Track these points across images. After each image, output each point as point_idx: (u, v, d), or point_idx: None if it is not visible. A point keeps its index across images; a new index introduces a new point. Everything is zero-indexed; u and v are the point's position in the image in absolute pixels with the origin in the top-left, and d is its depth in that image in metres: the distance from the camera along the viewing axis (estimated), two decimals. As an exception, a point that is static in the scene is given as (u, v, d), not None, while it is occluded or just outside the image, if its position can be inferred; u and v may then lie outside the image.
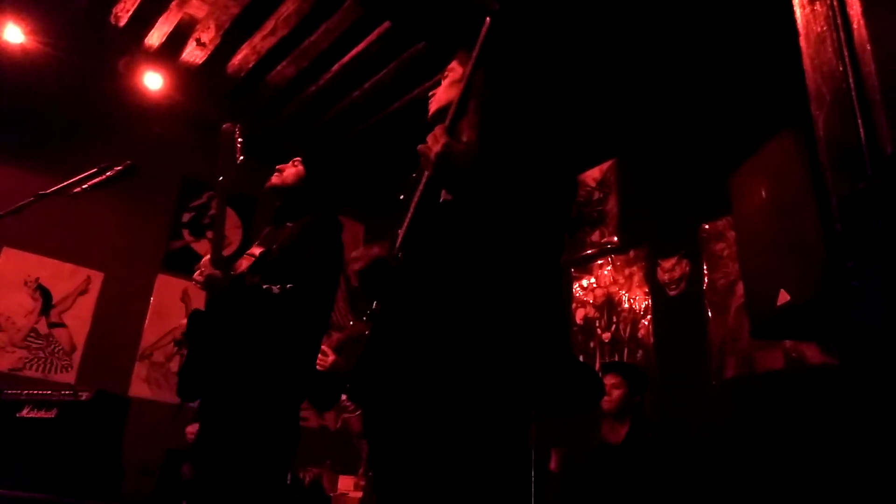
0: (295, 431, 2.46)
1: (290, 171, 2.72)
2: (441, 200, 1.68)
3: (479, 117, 1.74)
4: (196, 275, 2.46)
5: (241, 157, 2.63)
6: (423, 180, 1.65)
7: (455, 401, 1.46)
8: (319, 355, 3.21)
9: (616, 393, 3.45)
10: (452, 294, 1.53)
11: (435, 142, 1.56)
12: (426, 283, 1.58)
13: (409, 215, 1.65)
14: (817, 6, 1.41)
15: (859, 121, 1.28)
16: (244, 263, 2.58)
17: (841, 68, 1.30)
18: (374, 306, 1.70)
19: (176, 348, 3.71)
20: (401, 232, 1.66)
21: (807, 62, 1.40)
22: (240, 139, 2.63)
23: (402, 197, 1.80)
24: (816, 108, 1.37)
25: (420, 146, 1.61)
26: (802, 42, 1.42)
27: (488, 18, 1.62)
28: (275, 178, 2.71)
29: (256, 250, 2.62)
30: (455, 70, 1.88)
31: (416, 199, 1.66)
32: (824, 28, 1.36)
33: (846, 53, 1.30)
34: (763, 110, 3.51)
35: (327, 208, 2.69)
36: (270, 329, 2.36)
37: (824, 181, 1.38)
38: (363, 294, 1.73)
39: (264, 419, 2.34)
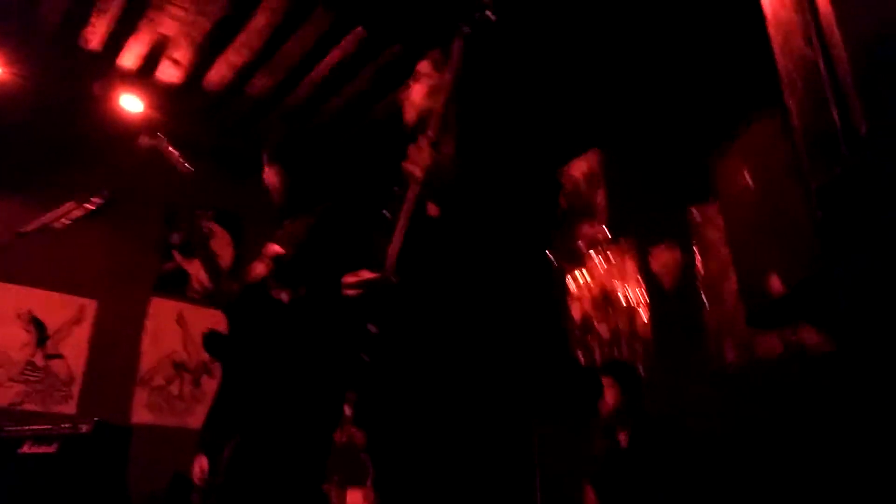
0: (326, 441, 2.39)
1: (269, 175, 2.63)
2: (428, 216, 1.66)
3: (457, 127, 1.72)
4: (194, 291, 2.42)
5: (185, 165, 2.57)
6: (410, 196, 1.63)
7: (458, 415, 1.46)
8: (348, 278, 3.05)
9: (610, 395, 3.38)
10: (449, 309, 1.52)
11: (420, 156, 1.54)
12: (423, 301, 1.57)
13: (399, 233, 1.62)
14: (784, -10, 1.37)
15: (833, 105, 1.25)
16: (259, 267, 2.52)
17: (811, 56, 1.27)
18: (371, 331, 1.67)
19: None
20: (392, 250, 1.63)
21: (776, 49, 1.37)
22: (170, 147, 2.58)
23: (386, 213, 1.77)
24: (789, 95, 1.34)
25: (406, 164, 1.59)
26: (771, 29, 1.39)
27: (461, 40, 1.60)
28: (274, 198, 2.65)
29: (272, 250, 2.55)
30: (430, 76, 1.85)
31: (404, 215, 1.63)
32: (792, 14, 1.32)
33: (815, 39, 1.27)
34: (743, 90, 3.48)
35: (337, 192, 2.62)
36: (292, 339, 2.26)
37: (802, 169, 1.36)
38: (363, 320, 1.70)
39: (302, 435, 2.24)
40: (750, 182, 2.21)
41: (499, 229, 1.57)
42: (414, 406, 1.53)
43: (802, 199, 1.88)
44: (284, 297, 2.28)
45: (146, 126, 5.19)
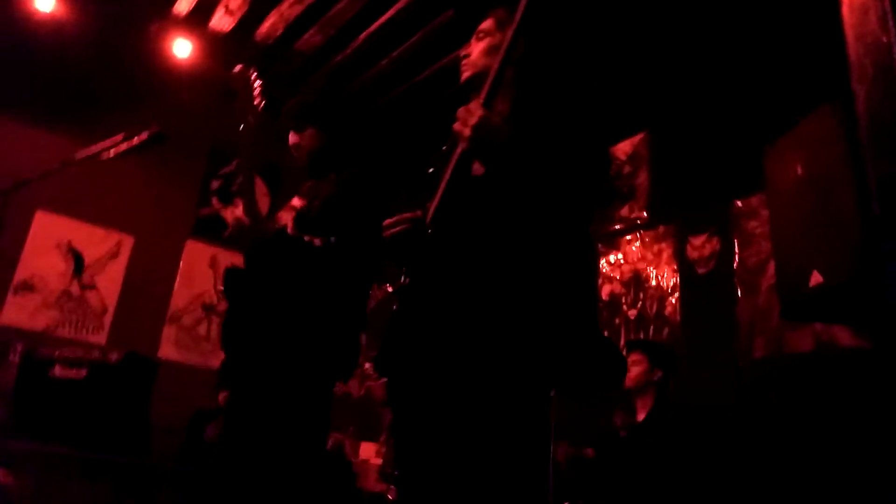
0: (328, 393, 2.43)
1: (303, 136, 2.64)
2: (473, 175, 1.66)
3: (515, 89, 1.71)
4: (228, 231, 2.41)
5: (261, 102, 2.57)
6: (456, 154, 1.62)
7: (479, 376, 1.46)
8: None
9: (636, 370, 3.39)
10: (482, 269, 1.52)
11: (470, 115, 1.54)
12: (456, 258, 1.57)
13: (441, 189, 1.62)
14: (863, -26, 1.33)
15: (903, 96, 1.22)
16: (285, 216, 2.53)
17: (885, 40, 1.24)
18: (401, 279, 1.69)
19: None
20: (432, 205, 1.64)
21: (849, 33, 1.33)
22: (257, 82, 2.57)
23: (431, 170, 1.77)
24: (858, 81, 1.31)
25: (455, 124, 1.59)
26: (845, 12, 1.35)
27: None
28: (299, 159, 2.64)
29: (298, 202, 2.56)
30: (492, 34, 1.82)
31: (447, 172, 1.63)
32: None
33: (891, 24, 1.23)
34: (799, 84, 3.39)
35: (366, 159, 2.63)
36: (313, 283, 2.30)
37: (863, 159, 1.33)
38: (392, 258, 1.72)
39: (304, 382, 2.30)
40: (800, 175, 2.16)
41: (543, 197, 1.55)
42: (436, 363, 1.53)
43: (853, 195, 1.84)
44: (315, 241, 2.31)
45: (196, 70, 5.26)
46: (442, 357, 1.52)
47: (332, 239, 2.30)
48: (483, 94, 1.60)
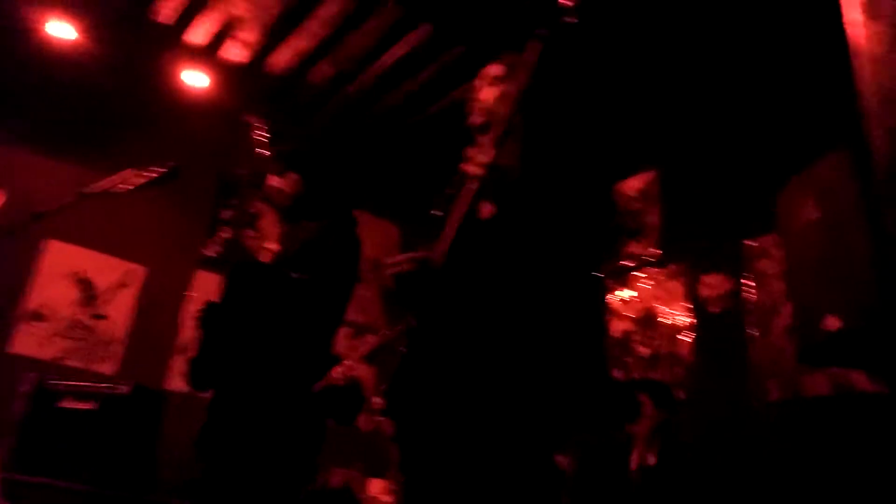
0: (314, 423, 2.48)
1: (284, 181, 2.71)
2: (481, 217, 1.66)
3: (524, 130, 1.72)
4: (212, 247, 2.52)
5: (263, 151, 2.64)
6: (464, 195, 1.63)
7: (490, 419, 1.45)
8: (344, 364, 3.21)
9: (648, 412, 3.36)
10: (491, 311, 1.52)
11: (482, 155, 1.55)
12: (465, 299, 1.57)
13: (449, 230, 1.62)
14: (879, 26, 1.34)
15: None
16: (264, 259, 2.61)
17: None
18: (410, 320, 1.69)
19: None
20: (440, 247, 1.64)
21: (863, 84, 1.34)
22: (263, 133, 2.64)
23: (438, 213, 1.78)
24: (875, 128, 1.31)
25: (467, 164, 1.59)
26: (858, 63, 1.36)
27: (539, 42, 1.59)
28: (278, 199, 2.72)
29: (273, 246, 2.65)
30: (503, 80, 1.84)
31: (455, 214, 1.63)
32: (885, 50, 1.29)
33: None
34: (810, 125, 3.41)
35: (342, 206, 2.71)
36: (288, 314, 2.39)
37: (879, 204, 1.32)
38: (398, 298, 1.72)
39: (279, 410, 2.37)
40: (814, 218, 2.16)
41: (551, 238, 1.56)
42: (446, 401, 1.53)
43: (867, 238, 1.84)
44: (293, 275, 2.37)
45: (210, 102, 5.32)
46: (450, 398, 1.51)
47: (308, 275, 2.40)
48: (495, 136, 1.61)
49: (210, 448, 2.49)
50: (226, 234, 2.49)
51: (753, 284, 3.82)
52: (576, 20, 1.60)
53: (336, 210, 2.68)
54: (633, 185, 4.68)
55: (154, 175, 2.76)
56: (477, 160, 1.56)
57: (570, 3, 1.58)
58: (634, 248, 4.60)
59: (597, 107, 3.94)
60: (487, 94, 1.84)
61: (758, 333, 3.70)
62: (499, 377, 1.47)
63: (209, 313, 2.52)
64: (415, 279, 1.63)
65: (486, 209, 1.66)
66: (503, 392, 1.46)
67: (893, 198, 1.27)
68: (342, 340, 4.13)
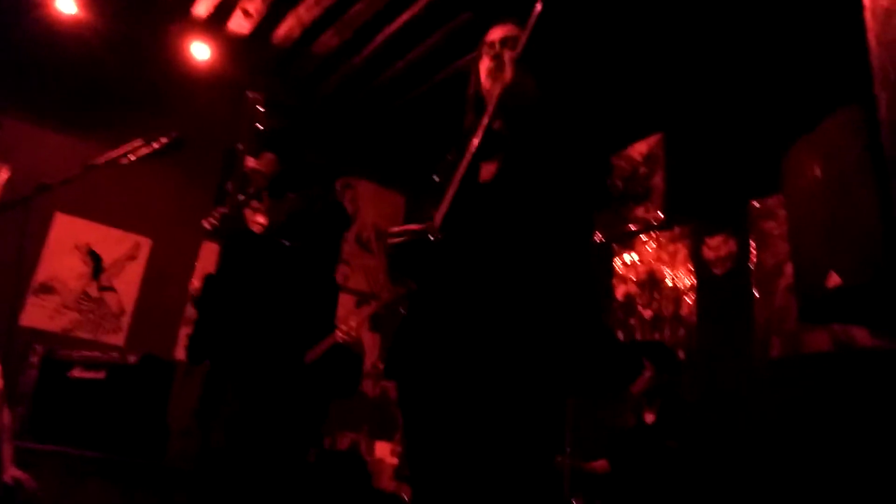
0: (315, 388, 2.55)
1: (263, 162, 2.77)
2: (481, 181, 1.67)
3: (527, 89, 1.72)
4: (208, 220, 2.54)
5: (262, 127, 2.68)
6: (465, 160, 1.63)
7: (491, 381, 1.47)
8: (343, 328, 3.27)
9: (644, 374, 3.40)
10: (491, 274, 1.53)
11: (501, 74, 1.57)
12: (465, 264, 1.58)
13: (449, 196, 1.62)
14: (886, -22, 1.33)
15: (926, 101, 1.22)
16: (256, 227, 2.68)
17: (909, 45, 1.24)
18: (410, 284, 1.70)
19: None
20: (440, 212, 1.64)
21: (872, 39, 1.33)
22: (262, 109, 2.67)
23: (437, 179, 1.78)
24: (881, 87, 1.31)
25: (486, 81, 1.60)
26: (868, 17, 1.35)
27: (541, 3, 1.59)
28: (259, 181, 2.76)
29: (262, 220, 2.70)
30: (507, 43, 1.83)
31: (456, 179, 1.63)
32: (892, 3, 1.29)
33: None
34: (817, 86, 3.38)
35: (325, 178, 2.77)
36: (283, 281, 2.46)
37: (885, 164, 1.33)
38: (399, 268, 1.73)
39: (276, 377, 2.43)
40: (819, 176, 2.15)
41: (548, 202, 1.56)
42: (446, 366, 1.54)
43: (873, 197, 1.84)
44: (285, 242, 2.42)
45: (215, 74, 5.31)
46: (452, 361, 1.52)
47: (299, 243, 2.48)
48: (517, 53, 1.62)
49: (209, 417, 2.55)
50: (222, 206, 2.55)
51: (756, 246, 3.82)
52: None
53: (318, 181, 2.75)
54: (638, 148, 4.67)
55: (158, 145, 2.78)
56: (496, 78, 1.58)
57: None
58: (639, 211, 4.60)
59: (601, 70, 3.92)
60: (483, 62, 1.83)
61: (761, 293, 3.72)
62: (500, 340, 1.48)
63: (207, 286, 2.56)
64: (414, 250, 1.63)
65: (486, 172, 1.67)
66: (505, 355, 1.47)
67: (898, 150, 1.28)
68: (346, 308, 4.18)
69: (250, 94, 2.70)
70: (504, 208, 1.57)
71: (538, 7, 1.58)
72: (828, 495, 2.98)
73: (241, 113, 2.69)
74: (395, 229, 1.69)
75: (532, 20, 1.62)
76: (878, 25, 1.32)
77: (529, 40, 1.62)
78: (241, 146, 2.65)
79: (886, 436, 2.70)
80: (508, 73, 1.55)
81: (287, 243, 2.47)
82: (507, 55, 1.61)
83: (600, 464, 3.63)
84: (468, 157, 1.62)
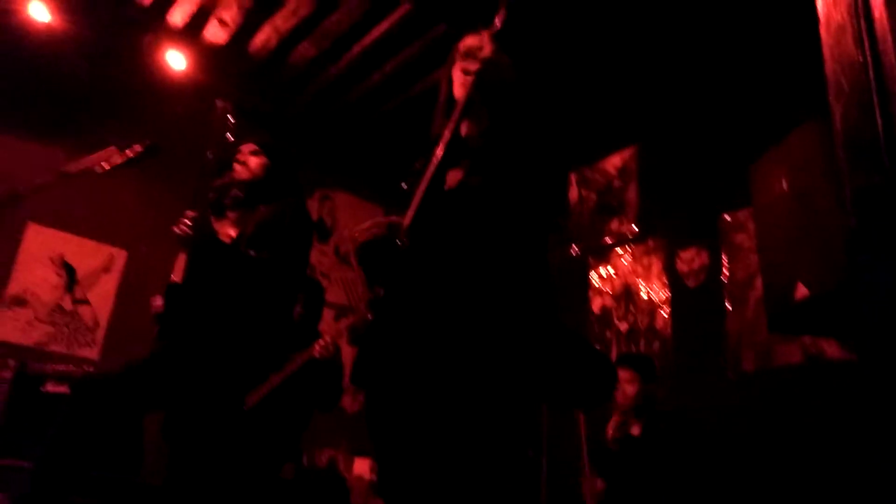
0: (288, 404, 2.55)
1: (256, 162, 2.76)
2: (446, 189, 1.67)
3: (489, 103, 1.73)
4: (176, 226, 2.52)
5: (231, 135, 2.68)
6: (430, 168, 1.64)
7: (460, 390, 1.46)
8: (321, 342, 3.28)
9: (629, 388, 3.41)
10: (455, 282, 1.53)
11: (482, 48, 1.58)
12: (430, 271, 1.57)
13: (415, 203, 1.62)
14: (840, -6, 1.36)
15: (878, 113, 1.25)
16: (225, 237, 2.65)
17: (861, 59, 1.27)
18: (377, 292, 1.68)
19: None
20: (406, 217, 1.63)
21: (826, 52, 1.36)
22: (231, 117, 2.67)
23: (405, 187, 1.79)
24: (835, 99, 1.34)
25: (465, 60, 1.62)
26: (823, 32, 1.38)
27: (504, 11, 1.60)
28: (243, 173, 2.74)
29: (231, 231, 2.67)
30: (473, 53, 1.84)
31: (421, 187, 1.63)
32: (845, 18, 1.32)
33: (867, 44, 1.26)
34: (786, 100, 3.45)
35: (296, 191, 2.75)
36: (248, 291, 2.44)
37: (841, 174, 1.35)
38: (366, 266, 1.71)
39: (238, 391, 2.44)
40: (785, 189, 2.19)
41: (515, 207, 1.56)
42: (413, 374, 1.53)
43: (836, 208, 1.87)
44: (251, 253, 2.43)
45: (191, 83, 5.29)
46: (416, 367, 1.51)
47: (266, 254, 2.46)
48: (494, 28, 1.63)
49: (174, 433, 2.53)
50: (191, 214, 2.53)
51: (728, 258, 3.87)
52: None
53: (290, 193, 2.73)
54: (612, 161, 4.71)
55: (133, 153, 2.77)
56: (477, 53, 1.59)
57: None
58: (614, 224, 4.64)
59: (572, 85, 3.96)
60: (456, 69, 1.85)
61: (733, 305, 3.76)
62: (462, 345, 1.47)
63: (170, 296, 2.55)
64: (381, 245, 1.63)
65: (451, 179, 1.67)
66: (474, 366, 1.46)
67: (853, 160, 1.30)
68: (324, 321, 4.16)
69: (220, 103, 2.69)
70: (469, 216, 1.57)
71: (503, 12, 1.60)
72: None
73: (211, 121, 2.68)
74: (361, 227, 1.68)
75: (500, 20, 1.63)
76: (831, 39, 1.35)
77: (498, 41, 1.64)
78: (210, 154, 2.64)
79: (857, 448, 2.73)
80: (488, 49, 1.57)
81: (255, 254, 2.43)
82: (487, 36, 1.63)
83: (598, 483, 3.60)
84: (433, 164, 1.63)
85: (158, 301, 2.64)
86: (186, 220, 2.49)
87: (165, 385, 2.43)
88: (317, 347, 3.33)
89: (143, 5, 4.91)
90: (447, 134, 1.62)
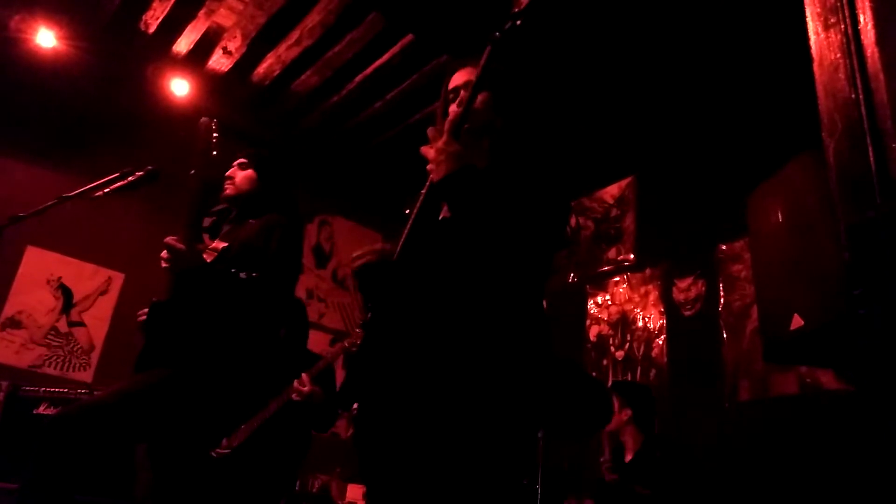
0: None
1: (242, 176, 2.74)
2: (440, 217, 1.69)
3: (491, 142, 1.75)
4: (163, 254, 2.49)
5: (216, 152, 2.67)
6: (423, 195, 1.65)
7: (453, 417, 1.45)
8: (297, 383, 3.23)
9: (624, 415, 3.41)
10: (446, 308, 1.53)
11: (446, 146, 1.58)
12: (421, 296, 1.58)
13: (406, 231, 1.64)
14: (831, 34, 1.40)
15: (870, 149, 1.27)
16: (207, 258, 2.61)
17: (853, 96, 1.30)
18: (367, 316, 1.69)
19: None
20: (398, 244, 1.65)
21: (820, 89, 1.39)
22: (216, 134, 2.67)
23: (407, 211, 1.80)
24: (828, 135, 1.37)
25: (428, 152, 1.62)
26: (816, 69, 1.42)
27: (490, 45, 1.61)
28: (229, 189, 2.73)
29: (218, 245, 2.65)
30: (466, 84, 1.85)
31: (412, 215, 1.65)
32: (838, 56, 1.35)
33: (859, 82, 1.29)
34: (784, 132, 3.49)
35: (287, 207, 2.71)
36: (234, 313, 2.40)
37: (834, 209, 1.37)
38: (361, 290, 1.73)
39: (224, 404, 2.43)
40: (781, 220, 2.21)
41: (506, 241, 1.57)
42: (399, 397, 1.53)
43: (832, 242, 1.89)
44: (241, 275, 2.39)
45: (193, 110, 5.33)
46: (410, 395, 1.51)
47: (254, 274, 2.40)
48: (451, 128, 1.63)
49: (159, 455, 2.50)
50: (178, 234, 2.52)
51: (724, 288, 3.88)
52: (521, 23, 1.60)
53: (280, 206, 2.69)
54: (609, 191, 4.75)
55: (134, 178, 2.79)
56: (436, 157, 1.59)
57: (519, 8, 1.59)
58: (611, 253, 4.67)
59: (570, 114, 4.00)
60: (452, 106, 1.86)
61: (729, 335, 3.77)
62: (459, 376, 1.47)
63: (154, 313, 2.53)
64: (374, 271, 1.63)
65: (445, 212, 1.69)
66: (464, 392, 1.46)
67: (846, 194, 1.33)
68: (321, 346, 4.15)
69: (203, 120, 2.70)
70: (459, 246, 1.58)
71: (489, 47, 1.61)
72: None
73: (195, 138, 2.68)
74: (358, 252, 1.70)
75: (483, 59, 1.64)
76: (824, 77, 1.38)
77: (480, 79, 1.63)
78: (193, 171, 2.63)
79: (852, 478, 2.72)
80: (453, 147, 1.57)
81: (243, 275, 2.39)
82: (447, 135, 1.62)
83: None
84: (423, 194, 1.64)
85: (143, 317, 2.61)
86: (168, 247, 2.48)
87: (150, 417, 2.38)
88: (293, 392, 3.26)
89: (148, 33, 4.97)
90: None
